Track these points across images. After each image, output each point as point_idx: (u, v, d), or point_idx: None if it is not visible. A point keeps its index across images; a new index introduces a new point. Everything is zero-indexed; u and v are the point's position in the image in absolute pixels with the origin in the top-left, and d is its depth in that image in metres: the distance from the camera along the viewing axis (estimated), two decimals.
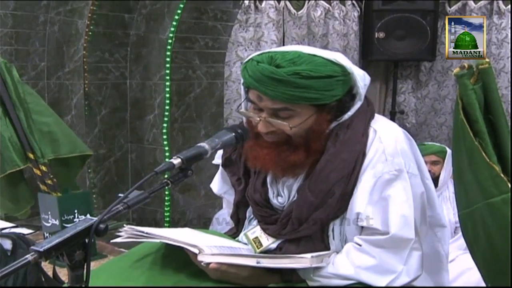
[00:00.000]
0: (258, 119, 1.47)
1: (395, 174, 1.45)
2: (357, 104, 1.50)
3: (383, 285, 1.43)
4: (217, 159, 1.70)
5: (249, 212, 1.66)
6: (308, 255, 1.42)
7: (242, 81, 1.53)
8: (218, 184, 1.77)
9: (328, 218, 1.49)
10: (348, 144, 1.47)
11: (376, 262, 1.44)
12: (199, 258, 1.40)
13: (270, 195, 1.58)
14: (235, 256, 1.43)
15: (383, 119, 1.59)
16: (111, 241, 1.52)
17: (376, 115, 1.57)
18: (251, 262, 1.42)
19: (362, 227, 1.47)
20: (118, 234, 1.49)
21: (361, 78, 1.49)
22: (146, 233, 1.45)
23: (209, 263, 1.40)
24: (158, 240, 1.47)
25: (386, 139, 1.48)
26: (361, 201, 1.45)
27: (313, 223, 1.49)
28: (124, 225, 1.50)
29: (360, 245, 1.47)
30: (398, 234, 1.42)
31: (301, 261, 1.41)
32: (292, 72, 1.39)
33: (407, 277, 1.45)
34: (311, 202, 1.48)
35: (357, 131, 1.48)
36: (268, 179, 1.59)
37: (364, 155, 1.47)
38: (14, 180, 2.83)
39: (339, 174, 1.46)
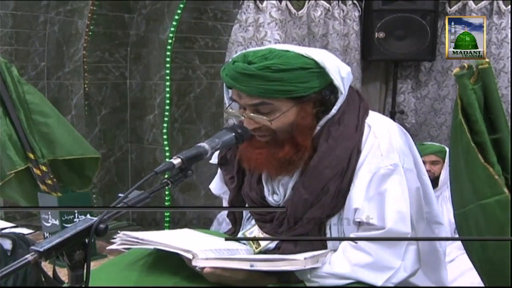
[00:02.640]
0: (242, 117, 1.50)
1: (391, 169, 1.45)
2: (340, 98, 1.50)
3: (381, 283, 1.43)
4: (214, 159, 1.71)
5: (245, 211, 1.67)
6: (302, 257, 1.41)
7: (225, 83, 1.57)
8: (216, 184, 1.78)
9: (323, 215, 1.49)
10: (340, 140, 1.48)
11: (373, 259, 1.43)
12: (193, 263, 1.41)
13: (266, 193, 1.59)
14: (229, 260, 1.43)
15: (378, 115, 1.59)
16: (107, 248, 1.52)
17: (371, 111, 1.57)
18: (245, 265, 1.42)
19: (359, 224, 1.47)
20: (112, 241, 1.49)
21: (336, 71, 1.48)
22: (141, 239, 1.46)
23: (204, 268, 1.40)
24: (152, 247, 1.47)
25: (380, 134, 1.49)
26: (358, 197, 1.45)
27: (308, 221, 1.49)
28: (118, 231, 1.50)
29: (356, 242, 1.46)
30: (393, 228, 1.42)
31: (295, 263, 1.41)
32: (262, 66, 1.43)
33: (404, 272, 1.45)
34: (306, 200, 1.48)
35: (349, 126, 1.49)
36: (263, 177, 1.59)
37: (359, 151, 1.48)
38: (23, 178, 2.83)
39: (333, 171, 1.46)
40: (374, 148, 1.47)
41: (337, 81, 1.48)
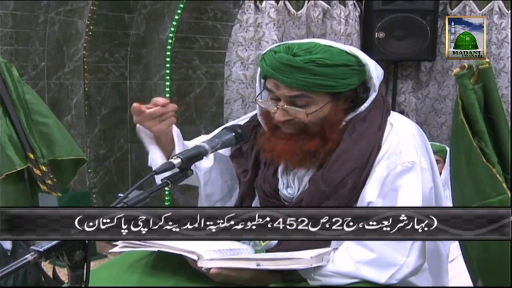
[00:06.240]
0: (276, 108, 1.50)
1: (408, 166, 1.47)
2: (372, 96, 1.53)
3: (384, 280, 1.42)
4: (226, 150, 1.68)
5: (254, 205, 1.66)
6: (308, 255, 1.41)
7: (259, 72, 1.57)
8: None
9: None
10: (365, 135, 1.50)
11: (376, 256, 1.43)
12: (199, 264, 1.41)
13: (280, 186, 1.59)
14: (235, 260, 1.43)
15: (399, 115, 1.62)
16: (109, 251, 1.52)
17: (392, 111, 1.60)
18: (251, 265, 1.42)
19: None
20: (114, 243, 1.49)
21: (374, 70, 1.52)
22: (143, 241, 1.45)
23: (210, 269, 1.41)
24: (155, 249, 1.47)
25: (401, 132, 1.52)
26: (372, 191, 1.47)
27: None
28: None
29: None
30: None
31: (301, 261, 1.41)
32: (308, 60, 1.44)
33: (407, 268, 1.45)
34: (323, 191, 1.49)
35: (374, 123, 1.52)
36: (279, 170, 1.60)
37: (379, 147, 1.50)
38: (13, 181, 2.82)
39: (353, 165, 1.48)
40: (394, 145, 1.50)
41: (375, 79, 1.51)
